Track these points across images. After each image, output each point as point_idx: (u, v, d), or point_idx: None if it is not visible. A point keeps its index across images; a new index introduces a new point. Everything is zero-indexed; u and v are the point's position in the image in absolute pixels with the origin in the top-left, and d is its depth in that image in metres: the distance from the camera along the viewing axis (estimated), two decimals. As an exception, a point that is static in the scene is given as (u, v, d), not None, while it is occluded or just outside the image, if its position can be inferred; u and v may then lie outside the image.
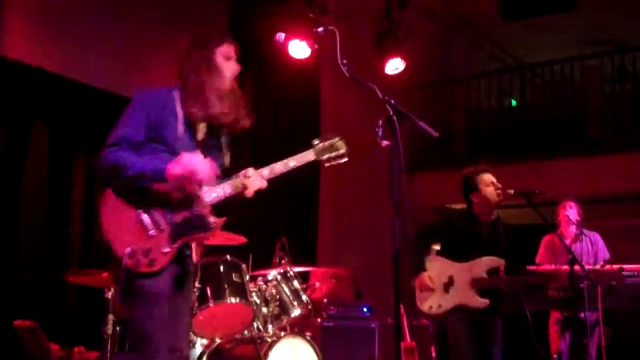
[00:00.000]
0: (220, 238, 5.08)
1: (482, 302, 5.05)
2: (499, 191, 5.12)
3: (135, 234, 3.06)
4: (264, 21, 7.77)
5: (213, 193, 3.25)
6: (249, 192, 3.26)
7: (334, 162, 3.41)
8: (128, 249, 3.01)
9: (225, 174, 3.38)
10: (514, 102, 12.38)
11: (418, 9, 10.25)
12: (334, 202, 9.92)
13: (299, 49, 5.53)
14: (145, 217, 3.09)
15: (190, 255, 3.38)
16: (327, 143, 3.40)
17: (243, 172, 3.31)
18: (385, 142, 3.14)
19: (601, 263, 6.61)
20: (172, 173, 3.07)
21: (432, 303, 5.21)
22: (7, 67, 6.51)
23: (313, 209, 9.66)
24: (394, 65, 7.68)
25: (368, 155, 9.22)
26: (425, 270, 5.20)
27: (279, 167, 3.33)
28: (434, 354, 7.14)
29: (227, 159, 3.46)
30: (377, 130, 3.15)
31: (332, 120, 9.92)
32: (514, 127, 10.58)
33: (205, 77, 3.32)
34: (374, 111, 3.30)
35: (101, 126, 7.12)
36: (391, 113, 3.15)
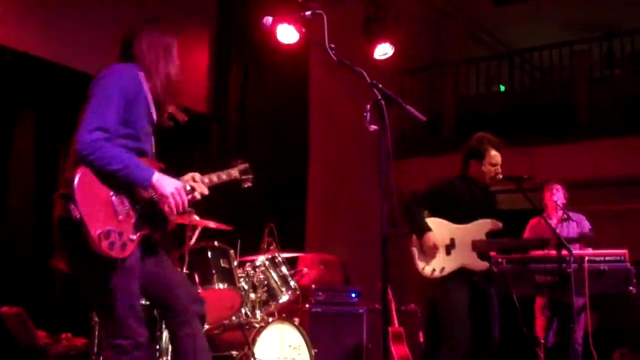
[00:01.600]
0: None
1: (482, 264, 5.03)
2: (497, 175, 5.07)
3: (109, 215, 3.03)
4: (252, 5, 7.74)
5: None
6: (198, 196, 3.40)
7: (247, 184, 3.78)
8: (106, 228, 2.97)
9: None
10: (502, 88, 12.38)
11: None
12: (323, 188, 9.91)
13: (287, 33, 5.47)
14: (115, 200, 3.07)
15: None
16: (246, 167, 3.78)
17: (191, 175, 3.45)
18: (373, 127, 3.13)
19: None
20: (158, 189, 3.14)
21: (435, 266, 5.03)
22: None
23: (301, 195, 9.65)
24: (383, 50, 7.62)
25: (356, 140, 9.27)
26: (430, 230, 5.02)
27: (215, 178, 3.58)
28: (422, 339, 7.17)
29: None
30: (365, 114, 3.14)
31: (321, 105, 9.90)
32: (503, 112, 10.57)
33: (171, 65, 3.40)
34: (363, 96, 3.29)
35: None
36: (379, 97, 3.14)
